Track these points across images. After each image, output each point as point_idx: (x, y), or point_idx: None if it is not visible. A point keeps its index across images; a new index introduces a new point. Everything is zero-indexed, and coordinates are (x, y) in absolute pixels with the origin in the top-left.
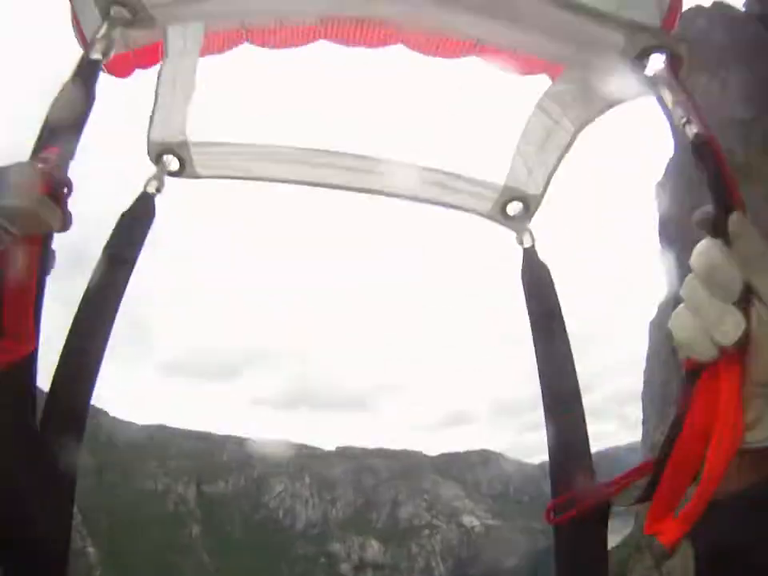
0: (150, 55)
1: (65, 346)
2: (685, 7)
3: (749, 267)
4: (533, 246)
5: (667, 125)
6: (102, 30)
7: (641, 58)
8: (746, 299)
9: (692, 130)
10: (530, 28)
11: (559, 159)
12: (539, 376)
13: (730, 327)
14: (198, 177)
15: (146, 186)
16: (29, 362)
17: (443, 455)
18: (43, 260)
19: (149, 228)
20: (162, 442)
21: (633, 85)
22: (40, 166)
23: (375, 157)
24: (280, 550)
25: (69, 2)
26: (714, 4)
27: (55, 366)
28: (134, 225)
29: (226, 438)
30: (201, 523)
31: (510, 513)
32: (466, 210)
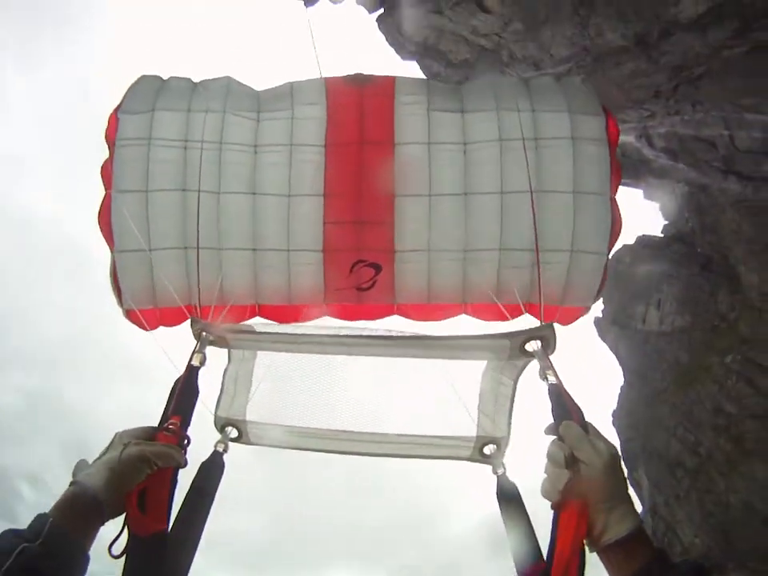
0: (173, 317)
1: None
2: (616, 248)
3: (574, 447)
4: (504, 472)
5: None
6: (197, 348)
7: (524, 347)
8: (574, 464)
9: (550, 380)
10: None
11: (511, 404)
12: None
13: (559, 480)
14: (250, 444)
15: (216, 446)
16: (162, 536)
17: None
18: (174, 476)
19: (220, 478)
20: None
21: (524, 358)
22: (171, 427)
23: (383, 431)
24: None
25: (111, 263)
26: (637, 239)
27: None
28: (211, 471)
29: None
30: None
31: None
32: (454, 459)
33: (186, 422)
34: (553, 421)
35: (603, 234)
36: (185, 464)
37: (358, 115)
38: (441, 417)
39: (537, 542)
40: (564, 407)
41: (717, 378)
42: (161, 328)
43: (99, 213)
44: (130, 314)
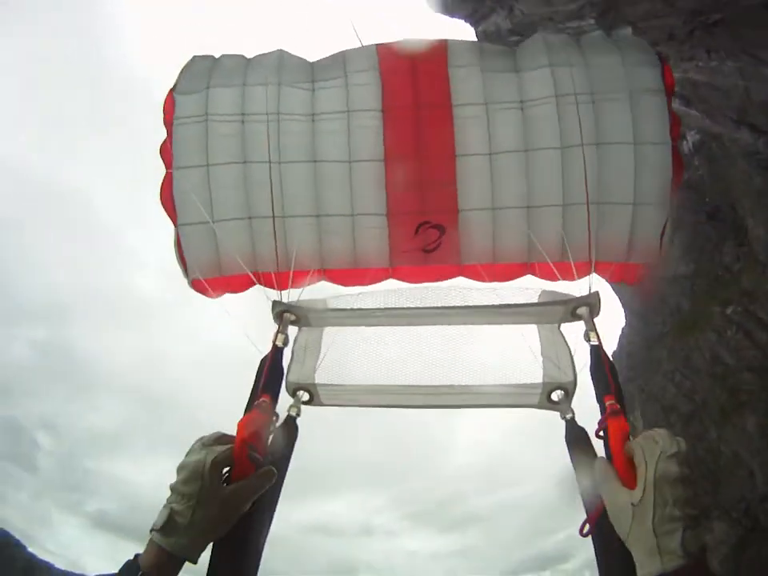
0: (239, 284)
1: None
2: None
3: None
4: (573, 417)
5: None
6: (280, 329)
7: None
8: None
9: (592, 341)
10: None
11: (570, 351)
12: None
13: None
14: (322, 405)
15: (288, 411)
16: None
17: None
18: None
19: (295, 441)
20: None
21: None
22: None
23: (453, 383)
24: None
25: (175, 236)
26: None
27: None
28: (286, 436)
29: None
30: None
31: None
32: (522, 407)
33: (274, 399)
34: (594, 385)
35: (665, 184)
36: (275, 478)
37: (412, 79)
38: (507, 366)
39: None
40: (605, 380)
41: (716, 328)
42: (225, 295)
43: (161, 191)
44: (195, 284)
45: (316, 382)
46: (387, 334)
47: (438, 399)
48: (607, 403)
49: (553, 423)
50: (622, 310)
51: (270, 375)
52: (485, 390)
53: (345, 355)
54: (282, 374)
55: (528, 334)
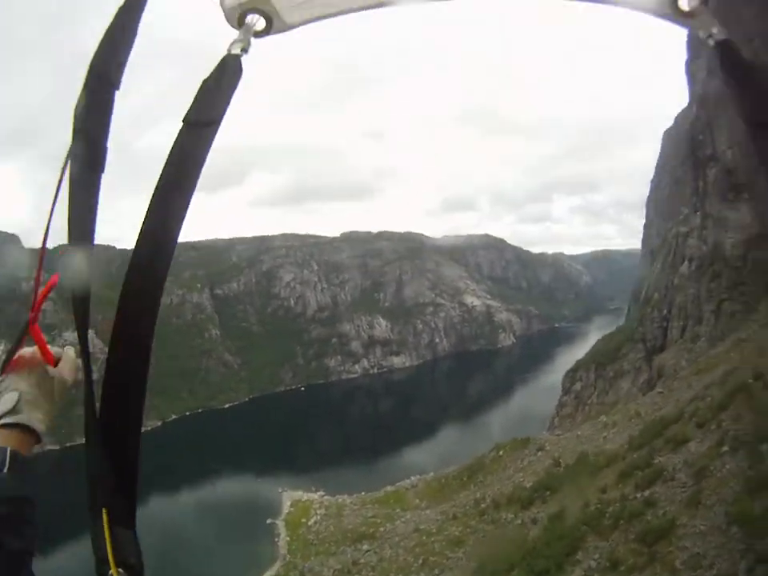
0: None
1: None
2: None
3: None
4: (726, 38)
5: None
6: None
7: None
8: None
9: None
10: None
11: None
12: None
13: None
14: (288, 29)
15: (230, 50)
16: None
17: (446, 237)
18: None
19: (235, 87)
20: (172, 259)
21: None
22: None
23: None
24: (295, 336)
25: None
26: None
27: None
28: (220, 86)
29: (232, 241)
30: (219, 326)
31: (509, 296)
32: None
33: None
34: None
35: None
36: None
37: None
38: None
39: None
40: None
41: None
42: None
43: None
44: None
45: None
46: None
47: None
48: None
49: None
50: None
51: None
52: None
53: None
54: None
55: None
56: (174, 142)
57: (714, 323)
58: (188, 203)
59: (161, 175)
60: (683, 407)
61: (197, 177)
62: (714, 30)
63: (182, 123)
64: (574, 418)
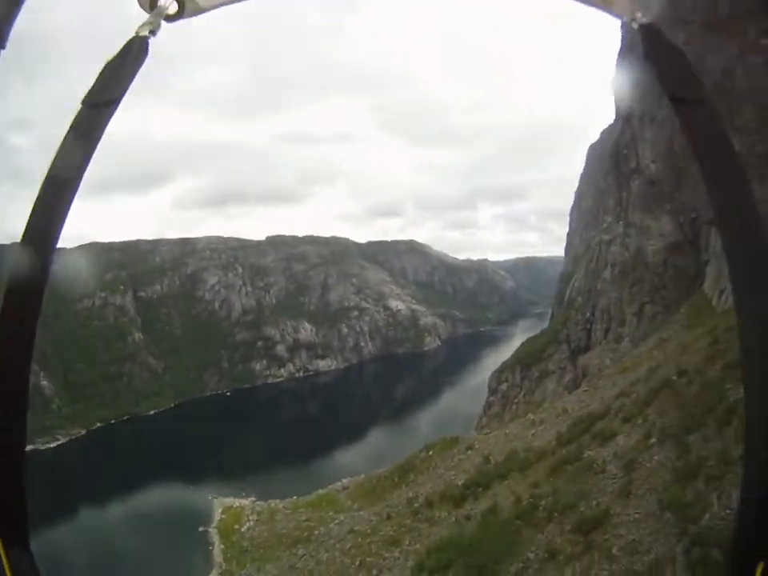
0: None
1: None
2: None
3: None
4: (649, 22)
5: None
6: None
7: None
8: None
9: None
10: None
11: None
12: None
13: None
14: (201, 11)
15: (138, 32)
16: None
17: (371, 243)
18: None
19: (138, 68)
20: (93, 260)
21: None
22: None
23: None
24: (220, 340)
25: None
26: None
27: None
28: (123, 66)
29: (156, 242)
30: (142, 329)
31: (434, 301)
32: None
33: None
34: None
35: None
36: None
37: None
38: None
39: None
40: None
41: None
42: None
43: None
44: None
45: None
46: None
47: None
48: None
49: None
50: None
51: None
52: None
53: None
54: None
55: None
56: (71, 125)
57: (636, 325)
58: (76, 187)
59: (54, 158)
60: (610, 403)
61: (88, 159)
62: (638, 15)
63: (80, 105)
64: (501, 417)
